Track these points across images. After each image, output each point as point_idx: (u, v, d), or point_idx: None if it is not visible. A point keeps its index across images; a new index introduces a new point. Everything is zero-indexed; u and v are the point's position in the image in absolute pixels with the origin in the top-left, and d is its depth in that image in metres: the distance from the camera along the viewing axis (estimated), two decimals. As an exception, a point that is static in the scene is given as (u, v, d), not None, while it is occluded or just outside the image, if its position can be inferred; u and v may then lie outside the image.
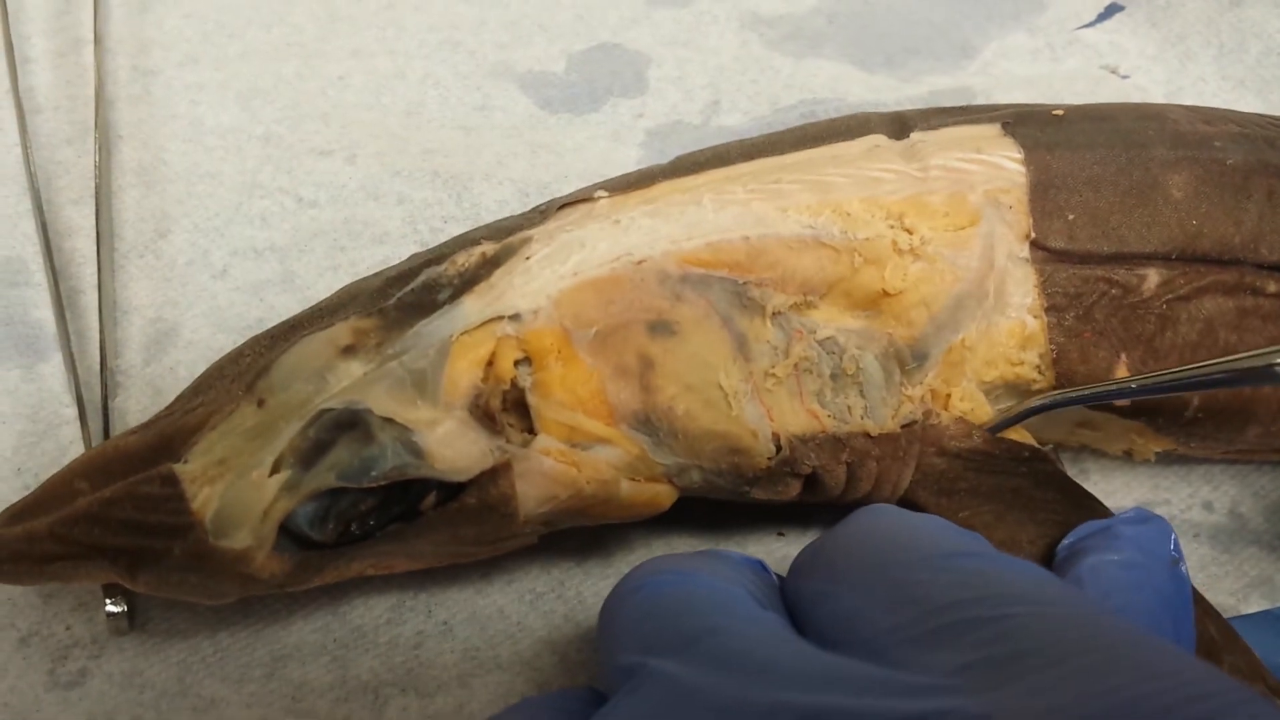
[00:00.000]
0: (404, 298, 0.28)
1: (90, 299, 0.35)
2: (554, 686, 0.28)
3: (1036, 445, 0.29)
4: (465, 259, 0.28)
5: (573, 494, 0.27)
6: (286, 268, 0.36)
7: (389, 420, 0.26)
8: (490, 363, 0.27)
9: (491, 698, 0.28)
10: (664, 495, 0.28)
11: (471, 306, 0.27)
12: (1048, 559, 0.28)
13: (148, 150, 0.39)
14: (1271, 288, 0.30)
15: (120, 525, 0.26)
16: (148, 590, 0.27)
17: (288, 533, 0.26)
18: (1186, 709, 0.18)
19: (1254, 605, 0.31)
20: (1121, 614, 0.25)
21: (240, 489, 0.26)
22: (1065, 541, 0.28)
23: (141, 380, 0.34)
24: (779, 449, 0.28)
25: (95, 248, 0.35)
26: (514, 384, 0.27)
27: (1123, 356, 0.29)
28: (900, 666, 0.20)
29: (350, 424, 0.26)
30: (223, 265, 0.36)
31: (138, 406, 0.33)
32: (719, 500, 0.29)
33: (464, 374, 0.26)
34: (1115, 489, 0.33)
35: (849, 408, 0.28)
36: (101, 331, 0.34)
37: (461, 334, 0.27)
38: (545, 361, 0.27)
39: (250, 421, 0.26)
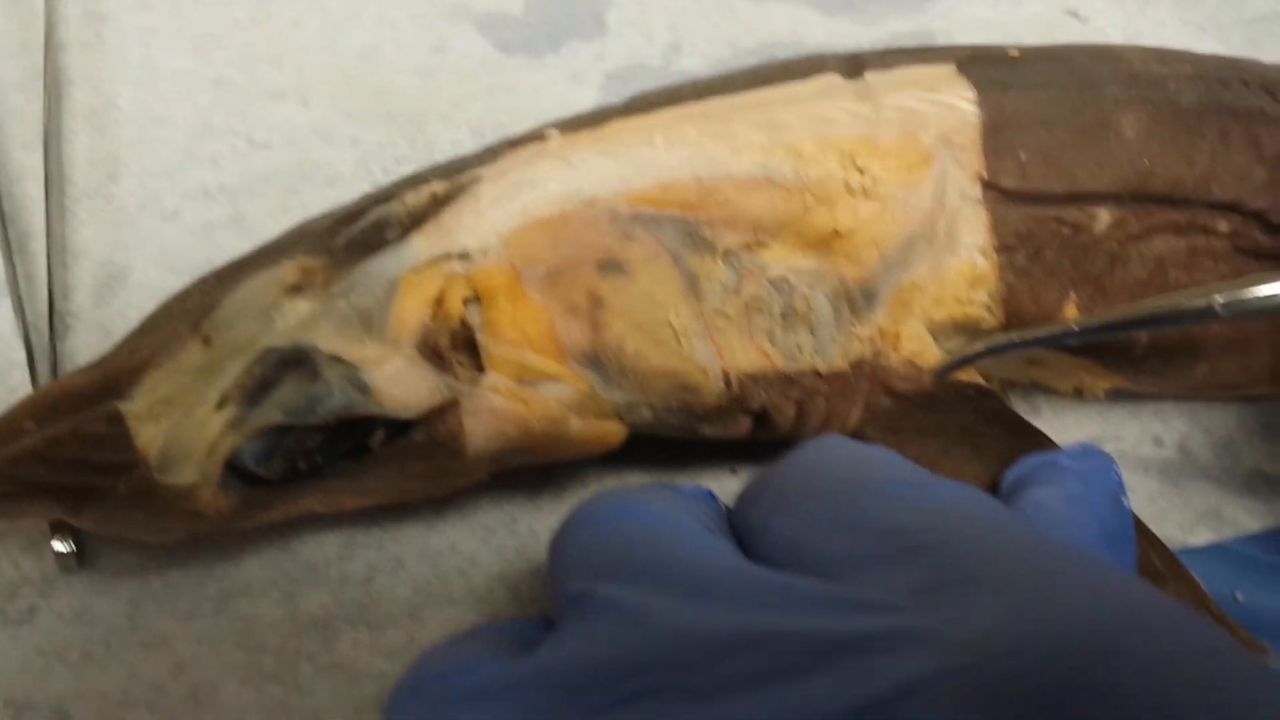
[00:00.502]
0: (352, 237, 0.28)
1: (40, 243, 0.35)
2: (506, 619, 0.29)
3: (983, 384, 0.30)
4: (414, 198, 0.28)
5: (522, 432, 0.27)
6: (238, 210, 0.35)
7: (336, 358, 0.26)
8: (439, 301, 0.27)
9: (443, 631, 0.28)
10: (614, 433, 0.28)
11: (420, 245, 0.27)
12: (992, 492, 0.28)
13: (99, 95, 0.39)
14: (1223, 227, 0.30)
15: (66, 463, 0.25)
16: (94, 527, 0.26)
17: (234, 470, 0.26)
18: (1132, 627, 0.18)
19: (1201, 538, 0.31)
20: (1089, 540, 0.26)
21: (185, 425, 0.26)
22: (1009, 474, 0.28)
23: (91, 323, 0.33)
24: (729, 387, 0.28)
25: (45, 192, 0.35)
26: (463, 323, 0.27)
27: (1072, 295, 0.29)
28: (850, 587, 0.20)
29: (296, 361, 0.26)
30: (173, 208, 0.36)
31: (87, 349, 0.33)
32: (671, 438, 0.29)
33: (412, 312, 0.26)
34: (1066, 425, 0.33)
35: (799, 346, 0.28)
36: (50, 275, 0.33)
37: (409, 272, 0.27)
38: (494, 300, 0.27)
39: (196, 360, 0.26)
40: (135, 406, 0.26)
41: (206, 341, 0.26)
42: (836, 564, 0.21)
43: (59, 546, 0.28)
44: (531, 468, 0.30)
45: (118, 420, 0.25)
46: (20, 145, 0.37)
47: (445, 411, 0.26)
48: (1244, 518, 0.32)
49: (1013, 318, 0.29)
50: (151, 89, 0.39)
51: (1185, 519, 0.31)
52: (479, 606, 0.29)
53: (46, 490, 0.26)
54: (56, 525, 0.28)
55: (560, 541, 0.24)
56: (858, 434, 0.29)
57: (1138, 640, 0.17)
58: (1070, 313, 0.29)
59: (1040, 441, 0.29)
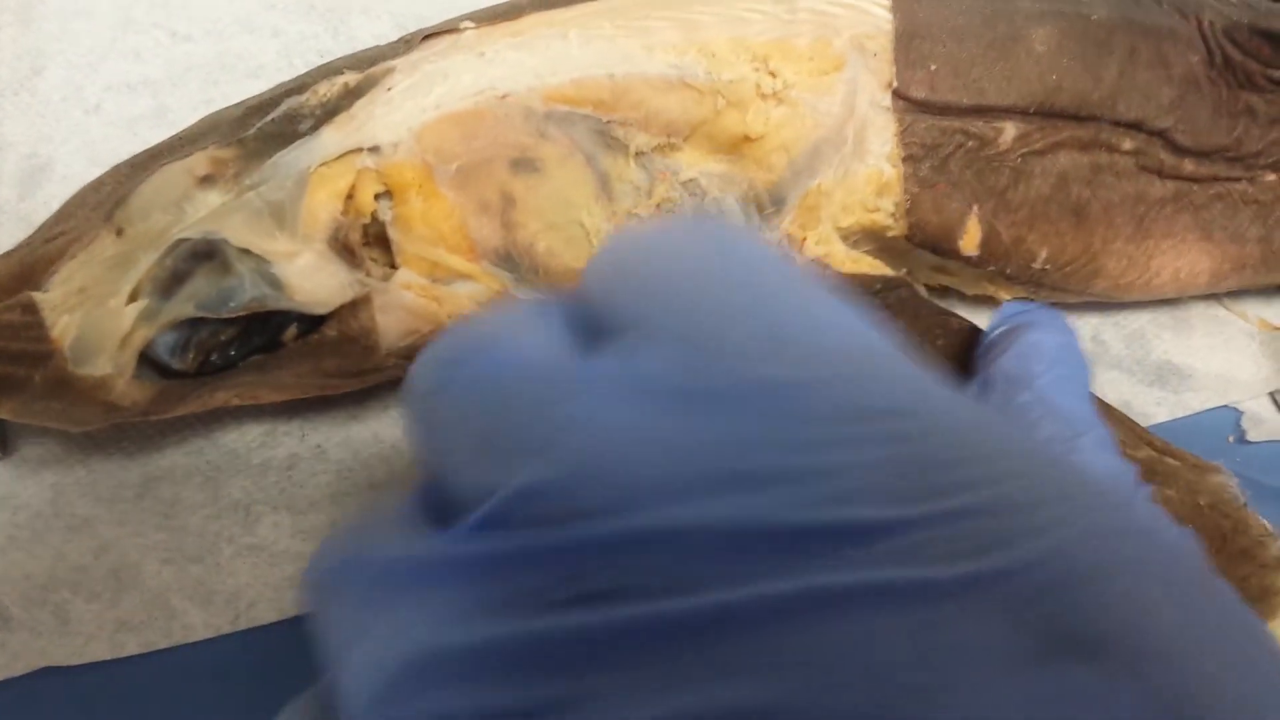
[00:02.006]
0: (264, 128, 0.27)
1: (-38, 136, 0.35)
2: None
3: (890, 274, 0.30)
4: (327, 89, 0.28)
5: (434, 328, 0.27)
6: (160, 102, 0.35)
7: (246, 251, 0.26)
8: (350, 196, 0.27)
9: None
10: None
11: (331, 138, 0.27)
12: (965, 351, 0.29)
13: (22, -14, 0.38)
14: (1126, 145, 0.31)
15: None
16: (13, 417, 0.27)
17: (149, 362, 0.27)
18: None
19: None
20: (1071, 384, 0.26)
21: (98, 316, 0.26)
22: (997, 321, 0.28)
23: (15, 215, 0.33)
24: None
25: (-34, 84, 0.35)
26: (374, 218, 0.27)
27: (974, 208, 0.30)
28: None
29: (208, 254, 0.26)
30: (96, 101, 0.35)
31: (11, 240, 0.32)
32: None
33: (323, 206, 0.26)
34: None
35: None
36: (-28, 167, 0.33)
37: (320, 165, 0.27)
38: (406, 196, 0.27)
39: (109, 251, 0.26)
40: (50, 297, 0.26)
41: (119, 232, 0.27)
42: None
43: (-20, 435, 0.29)
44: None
45: (32, 309, 0.26)
46: (-59, 38, 0.37)
47: (357, 307, 0.27)
48: (1153, 408, 0.33)
49: (915, 228, 0.30)
50: (75, -18, 0.38)
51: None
52: (401, 489, 0.29)
53: None
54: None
55: (422, 414, 0.20)
56: None
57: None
58: (972, 224, 0.30)
59: (956, 322, 0.29)
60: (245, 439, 0.30)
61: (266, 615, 0.27)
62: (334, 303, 0.26)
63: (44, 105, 0.35)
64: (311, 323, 0.27)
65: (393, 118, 0.27)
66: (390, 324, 0.27)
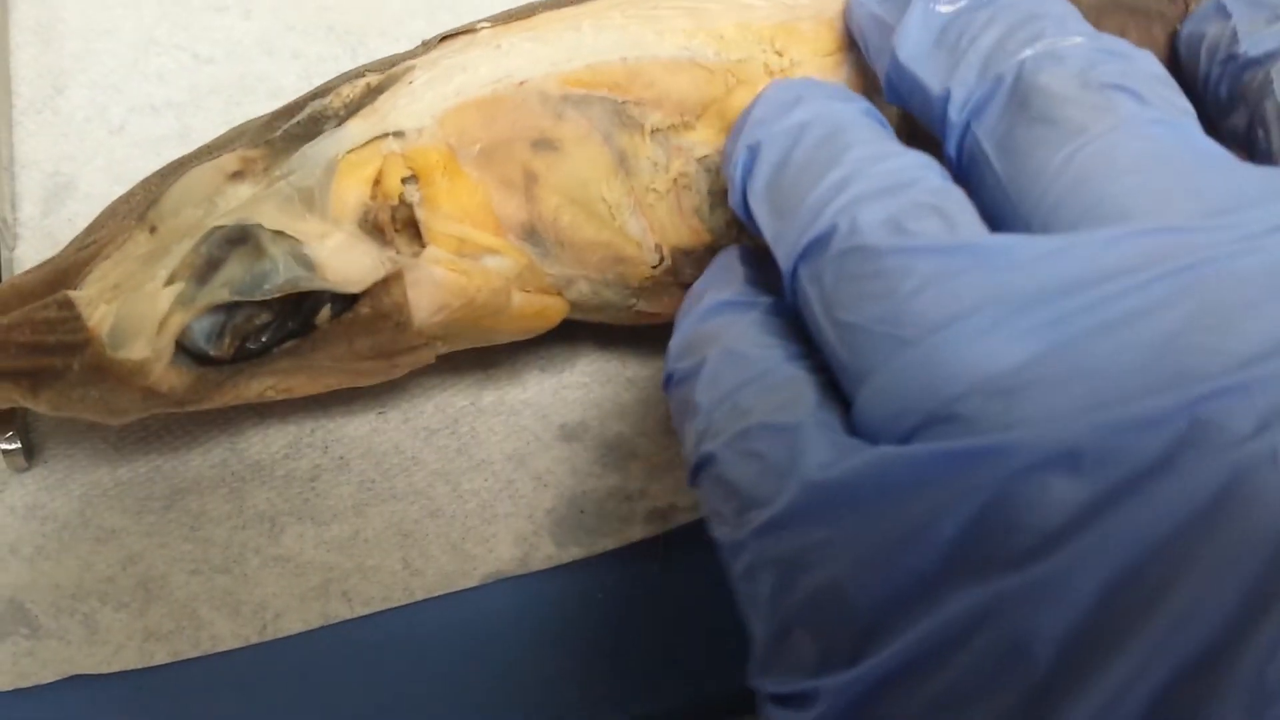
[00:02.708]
0: (290, 129, 0.28)
1: (-13, 155, 0.35)
2: (447, 514, 0.30)
3: None
4: (350, 90, 0.29)
5: (465, 302, 0.27)
6: (183, 124, 0.36)
7: (279, 234, 0.26)
8: (377, 181, 0.27)
9: (386, 525, 0.29)
10: (554, 308, 0.29)
11: (356, 127, 0.28)
12: None
13: (45, 7, 0.39)
14: None
15: (18, 349, 0.26)
16: (51, 409, 0.27)
17: (186, 352, 0.27)
18: None
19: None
20: None
21: (135, 302, 0.26)
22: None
23: (40, 231, 0.34)
24: (662, 259, 0.29)
25: (-10, 104, 0.35)
26: (402, 201, 0.27)
27: None
28: None
29: (241, 240, 0.27)
30: (120, 122, 0.36)
31: (36, 257, 0.33)
32: (610, 324, 0.30)
33: (351, 190, 0.27)
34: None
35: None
36: (-3, 185, 0.34)
37: (347, 153, 0.27)
38: (431, 177, 0.27)
39: (143, 248, 0.27)
40: (85, 294, 0.26)
41: (153, 230, 0.27)
42: None
43: (5, 445, 0.29)
44: (472, 368, 0.31)
45: (69, 305, 0.26)
46: (-34, 59, 0.37)
47: (389, 283, 0.27)
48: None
49: None
50: (97, 2, 0.39)
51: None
52: (420, 501, 0.30)
53: (1, 376, 0.26)
54: (4, 419, 0.29)
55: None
56: None
57: None
58: None
59: None
60: (269, 450, 0.30)
61: (293, 626, 0.28)
62: (366, 280, 0.27)
63: (67, 124, 0.36)
64: (345, 304, 0.27)
65: (415, 106, 0.28)
66: (422, 299, 0.27)
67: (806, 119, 0.23)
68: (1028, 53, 0.22)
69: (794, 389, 0.20)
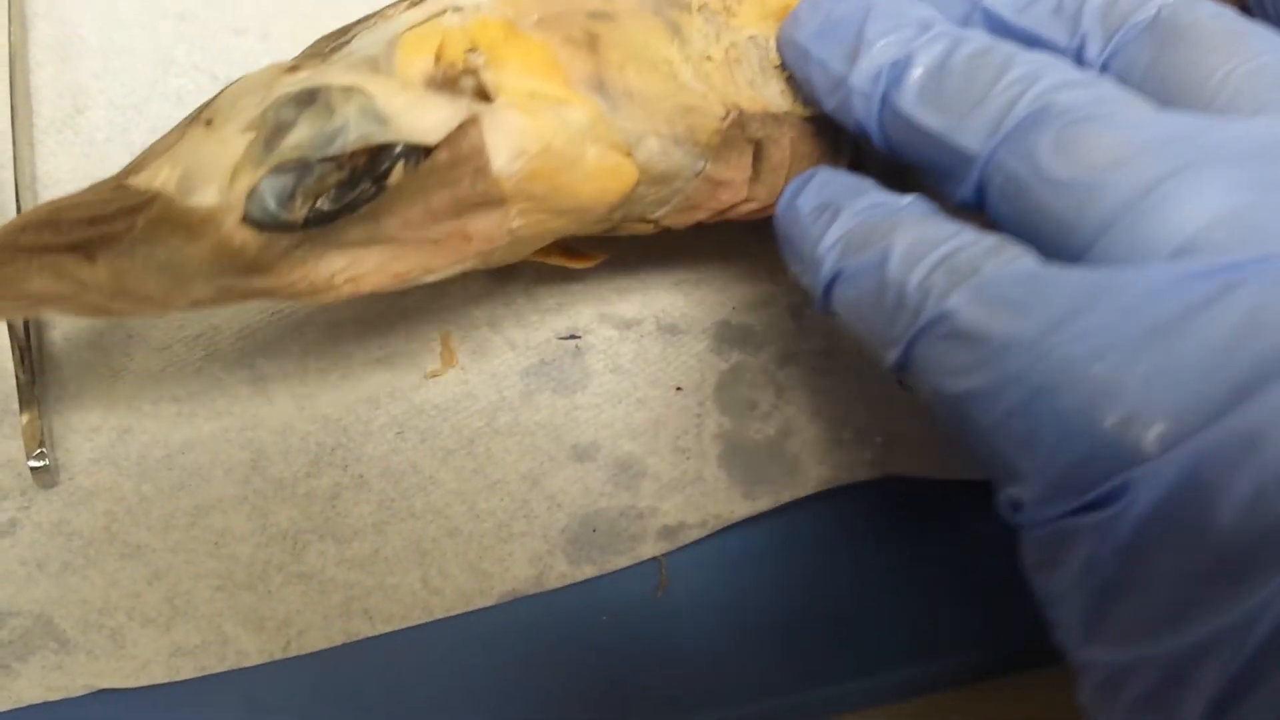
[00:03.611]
0: (340, 44, 0.28)
1: (9, 174, 0.36)
2: (464, 533, 0.31)
3: None
4: (393, 9, 0.28)
5: (541, 148, 0.27)
6: (204, 143, 0.37)
7: (350, 89, 0.26)
8: (438, 56, 0.27)
9: (405, 543, 0.30)
10: (626, 169, 0.28)
11: (412, 13, 0.28)
12: None
13: (64, 27, 0.39)
14: None
15: (74, 223, 0.25)
16: (110, 278, 0.25)
17: (255, 220, 0.26)
18: None
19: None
20: None
21: (206, 150, 0.26)
22: None
23: (62, 251, 0.35)
24: (728, 112, 0.29)
25: (11, 123, 0.36)
26: (466, 68, 0.27)
27: None
28: None
29: (310, 100, 0.26)
30: (141, 142, 0.37)
31: (59, 276, 0.34)
32: (682, 220, 0.31)
33: (415, 60, 0.27)
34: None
35: (780, 93, 0.30)
36: (19, 205, 0.35)
37: (406, 31, 0.27)
38: (494, 42, 0.27)
39: (201, 139, 0.26)
40: (143, 178, 0.26)
41: (209, 124, 0.26)
42: None
43: (33, 463, 0.30)
44: (493, 379, 0.32)
45: (125, 188, 0.25)
46: (-14, 77, 0.38)
47: (466, 128, 0.26)
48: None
49: None
50: (114, 19, 0.40)
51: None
52: (439, 520, 0.31)
53: (55, 249, 0.25)
54: (32, 442, 0.30)
55: None
56: None
57: None
58: None
59: None
60: (291, 469, 0.31)
61: (316, 643, 0.29)
62: (442, 130, 0.26)
63: (88, 144, 0.37)
64: (420, 159, 0.26)
65: None
66: (500, 144, 0.26)
67: (929, 21, 0.26)
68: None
69: (1012, 248, 0.22)
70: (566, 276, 0.36)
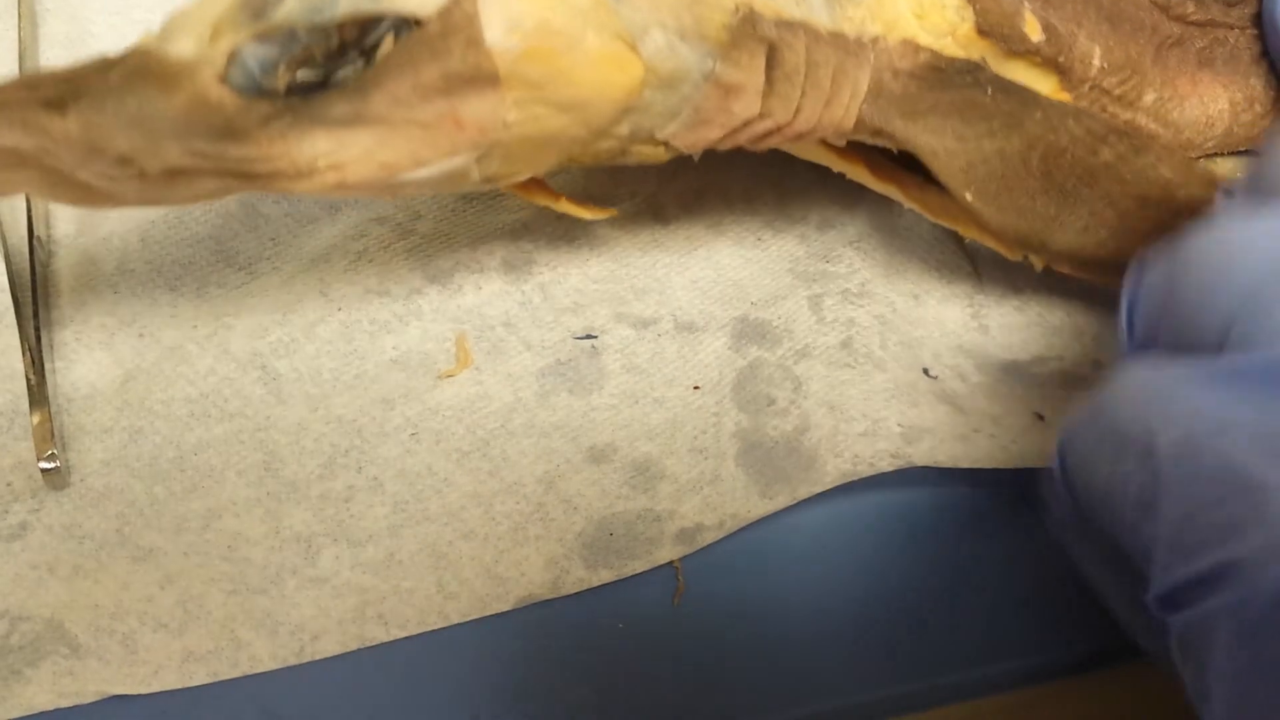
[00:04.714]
0: None
1: (19, 170, 0.35)
2: (479, 536, 0.30)
3: (970, 59, 0.31)
4: None
5: (538, 23, 0.26)
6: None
7: None
8: None
9: (420, 547, 0.30)
10: (630, 63, 0.27)
11: None
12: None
13: (75, 22, 0.39)
14: None
15: (51, 80, 0.24)
16: (81, 129, 0.24)
17: (237, 85, 0.25)
18: None
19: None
20: None
21: (188, 4, 0.25)
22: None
23: (75, 250, 0.34)
24: (738, 7, 0.28)
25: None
26: None
27: (1025, 2, 0.32)
28: None
29: None
30: (152, 138, 0.36)
31: (69, 274, 0.34)
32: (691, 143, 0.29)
33: None
34: (1012, 343, 0.35)
35: (796, 2, 0.29)
36: (29, 201, 0.34)
37: None
38: None
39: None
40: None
41: None
42: None
43: (44, 464, 0.29)
44: (508, 380, 0.31)
45: (106, 56, 0.25)
46: (-3, 73, 0.38)
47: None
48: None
49: (982, 15, 0.31)
50: (126, 17, 0.39)
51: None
52: (454, 524, 0.30)
53: (27, 103, 0.24)
54: (42, 444, 0.29)
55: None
56: (879, 125, 0.30)
57: None
58: (1029, 16, 0.32)
59: (1035, 97, 0.31)
60: (304, 470, 0.31)
61: (330, 648, 0.28)
62: (435, 2, 0.25)
63: (99, 141, 0.36)
64: (411, 31, 0.25)
65: None
66: (494, 14, 0.25)
67: None
68: None
69: None
70: (582, 274, 0.35)
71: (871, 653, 0.29)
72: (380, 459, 0.31)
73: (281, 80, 0.25)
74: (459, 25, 0.25)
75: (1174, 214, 0.32)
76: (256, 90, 0.25)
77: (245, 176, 0.26)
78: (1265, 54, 0.35)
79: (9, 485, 0.30)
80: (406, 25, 0.25)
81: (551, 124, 0.27)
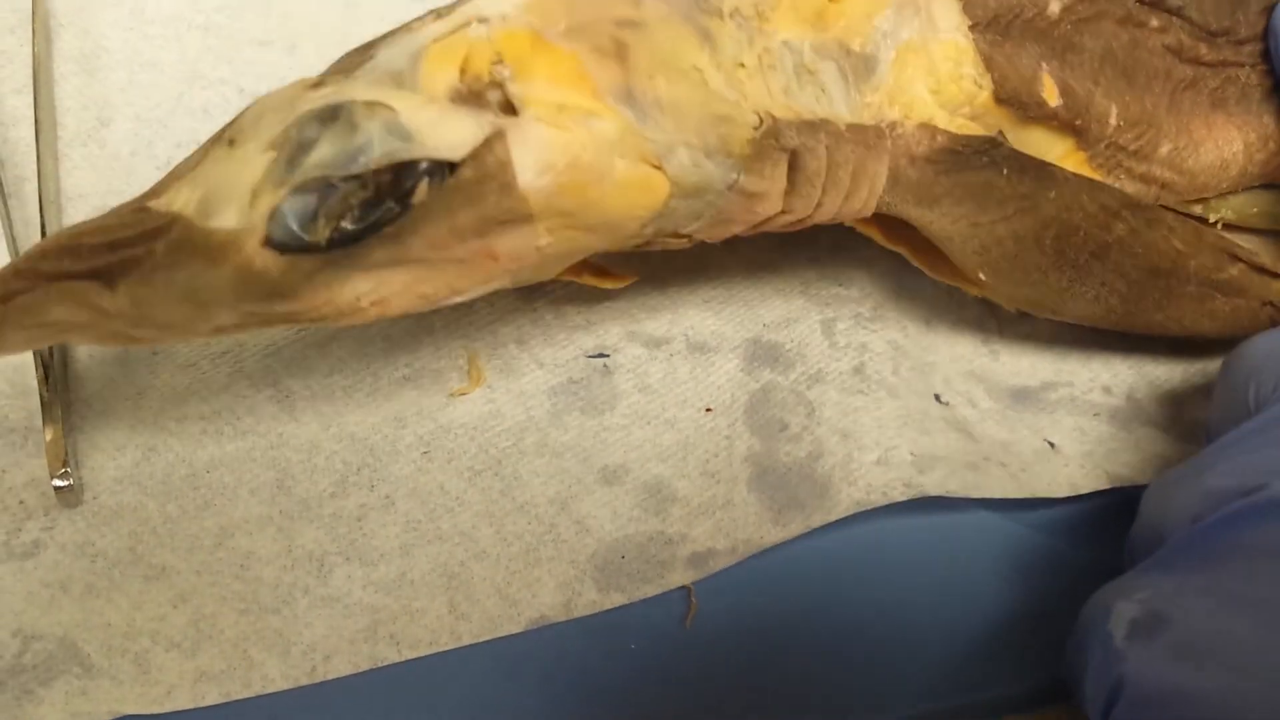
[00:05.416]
0: (365, 60, 0.27)
1: (34, 186, 0.35)
2: (491, 557, 0.30)
3: (988, 135, 0.31)
4: (419, 21, 0.28)
5: (569, 161, 0.26)
6: (229, 157, 0.36)
7: (373, 104, 0.25)
8: (464, 68, 0.26)
9: (432, 566, 0.30)
10: (657, 181, 0.27)
11: (438, 23, 0.27)
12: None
13: (89, 38, 0.39)
14: (1153, 22, 0.34)
15: (93, 249, 0.25)
16: (131, 305, 0.25)
17: (278, 242, 0.25)
18: None
19: (1149, 479, 0.33)
20: None
21: (226, 171, 0.25)
22: None
23: (87, 266, 0.34)
24: (762, 121, 0.28)
25: (36, 136, 0.36)
26: (492, 81, 0.26)
27: (1043, 65, 0.32)
28: None
29: (333, 117, 0.25)
30: (166, 157, 0.36)
31: (84, 291, 0.34)
32: (719, 231, 0.30)
33: (440, 74, 0.26)
34: (1021, 369, 0.35)
35: (816, 99, 0.29)
36: (43, 218, 0.34)
37: (433, 42, 0.26)
38: (521, 53, 0.26)
39: (223, 160, 0.26)
40: (163, 200, 0.25)
41: (231, 144, 0.26)
42: None
43: (59, 482, 0.29)
44: (520, 397, 0.31)
45: (145, 210, 0.25)
46: (13, 90, 0.38)
47: (492, 142, 0.25)
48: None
49: (1000, 84, 0.31)
50: (140, 32, 0.39)
51: (1135, 460, 0.33)
52: (465, 543, 0.30)
53: (75, 276, 0.25)
54: (56, 461, 0.29)
55: None
56: (894, 212, 0.31)
57: None
58: (1047, 80, 0.32)
59: (1052, 173, 0.31)
60: (317, 488, 0.31)
61: (342, 668, 0.28)
62: (467, 145, 0.25)
63: (113, 159, 0.36)
64: (444, 177, 0.25)
65: (497, 4, 0.27)
66: (526, 158, 0.26)
67: None
68: None
69: None
70: (595, 295, 0.36)
71: (882, 676, 0.29)
72: (393, 477, 0.31)
73: (322, 233, 0.25)
74: (492, 172, 0.25)
75: (1183, 282, 0.33)
76: (298, 245, 0.25)
77: (290, 322, 0.27)
78: (1276, 89, 0.35)
79: (22, 503, 0.30)
80: (440, 169, 0.25)
81: (582, 242, 0.28)
